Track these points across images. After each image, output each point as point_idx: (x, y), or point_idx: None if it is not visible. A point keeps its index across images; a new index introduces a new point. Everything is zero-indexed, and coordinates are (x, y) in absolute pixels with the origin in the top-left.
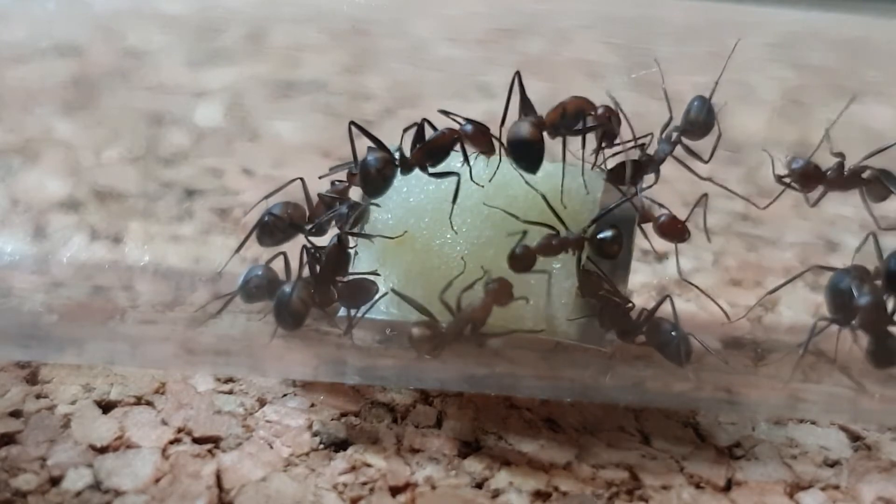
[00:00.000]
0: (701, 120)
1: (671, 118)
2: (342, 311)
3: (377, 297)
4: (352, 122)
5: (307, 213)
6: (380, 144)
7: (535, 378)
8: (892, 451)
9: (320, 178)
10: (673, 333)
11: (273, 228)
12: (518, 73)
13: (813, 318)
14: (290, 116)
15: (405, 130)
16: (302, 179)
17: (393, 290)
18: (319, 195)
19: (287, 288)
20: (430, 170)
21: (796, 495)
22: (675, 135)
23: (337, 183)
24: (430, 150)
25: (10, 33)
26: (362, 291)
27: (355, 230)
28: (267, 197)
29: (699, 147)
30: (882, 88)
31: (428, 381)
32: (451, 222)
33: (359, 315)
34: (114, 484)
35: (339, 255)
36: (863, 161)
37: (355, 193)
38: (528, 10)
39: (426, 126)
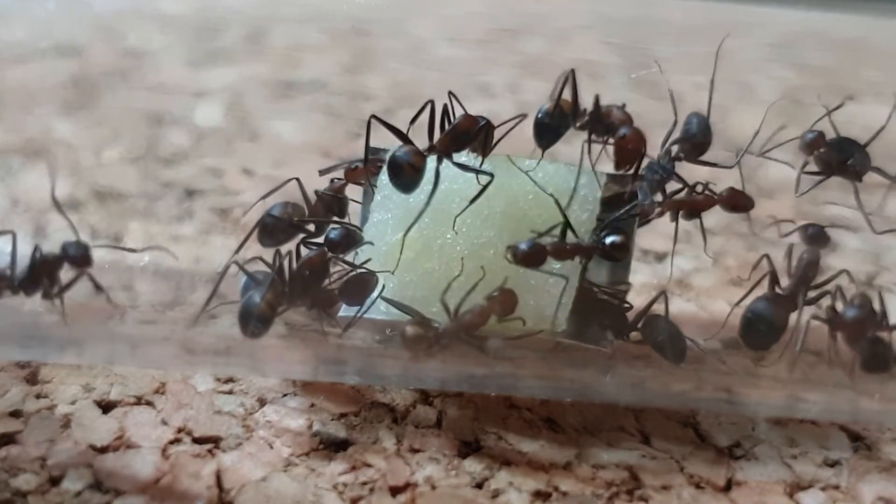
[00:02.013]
0: (700, 139)
1: (676, 122)
2: (343, 311)
3: (377, 294)
4: (373, 116)
5: (307, 213)
6: (405, 139)
7: (535, 378)
8: (892, 451)
9: (321, 173)
10: (667, 332)
11: (274, 229)
12: (573, 71)
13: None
14: (290, 116)
15: (411, 122)
16: (298, 179)
17: (382, 298)
18: (317, 192)
19: (255, 295)
20: (455, 159)
21: (796, 495)
22: (675, 149)
23: (335, 181)
24: (455, 135)
25: (10, 33)
26: (362, 287)
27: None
28: (264, 197)
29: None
30: (882, 88)
31: (428, 381)
32: (454, 222)
33: (357, 315)
34: (114, 484)
35: (318, 268)
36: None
37: (353, 191)
38: (528, 10)
39: (430, 110)
